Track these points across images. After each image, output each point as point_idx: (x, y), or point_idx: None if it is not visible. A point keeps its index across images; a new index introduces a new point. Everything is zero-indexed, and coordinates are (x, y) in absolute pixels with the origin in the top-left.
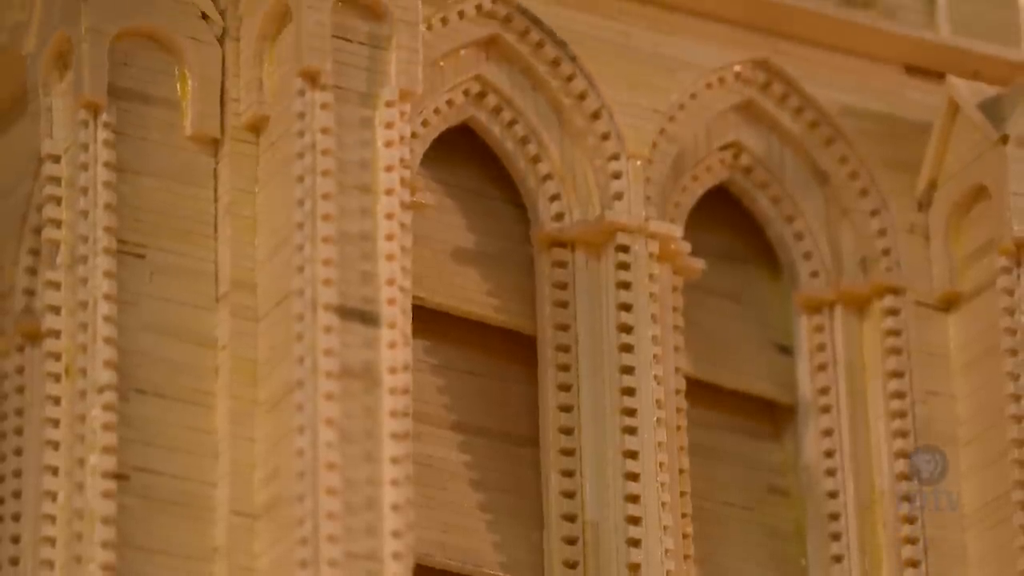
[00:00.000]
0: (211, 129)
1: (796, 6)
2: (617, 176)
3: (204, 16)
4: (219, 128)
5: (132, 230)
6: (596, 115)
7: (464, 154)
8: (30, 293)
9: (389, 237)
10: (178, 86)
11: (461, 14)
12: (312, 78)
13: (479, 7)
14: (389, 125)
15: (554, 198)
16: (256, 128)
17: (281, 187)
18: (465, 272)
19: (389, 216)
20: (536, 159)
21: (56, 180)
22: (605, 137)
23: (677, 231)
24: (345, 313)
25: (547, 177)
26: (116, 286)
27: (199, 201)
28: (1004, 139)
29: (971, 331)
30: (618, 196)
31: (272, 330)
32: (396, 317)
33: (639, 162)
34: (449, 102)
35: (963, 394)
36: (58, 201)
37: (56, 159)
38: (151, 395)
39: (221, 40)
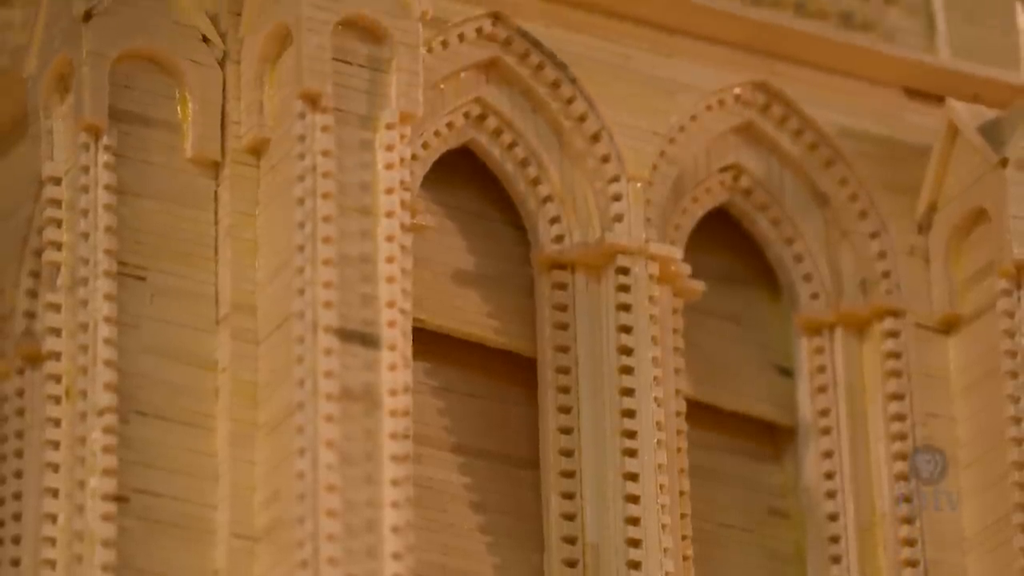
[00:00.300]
0: (212, 151)
1: (795, 28)
2: (617, 198)
3: (205, 39)
4: (220, 150)
5: (133, 252)
6: (596, 137)
7: (465, 176)
8: (31, 315)
9: (389, 259)
10: (179, 109)
11: (461, 37)
12: (313, 100)
13: (479, 30)
14: (389, 147)
15: (554, 220)
16: (257, 151)
17: (281, 209)
18: (465, 293)
19: (389, 238)
20: (536, 181)
21: (57, 202)
22: (606, 159)
23: (677, 253)
24: (346, 335)
25: (547, 199)
26: (116, 308)
27: (199, 223)
28: (1004, 162)
29: (971, 353)
30: (618, 218)
31: (272, 352)
32: (396, 339)
33: (639, 184)
34: (449, 124)
35: (963, 416)
36: (59, 223)
37: (57, 181)
38: (151, 417)
39: (222, 63)
